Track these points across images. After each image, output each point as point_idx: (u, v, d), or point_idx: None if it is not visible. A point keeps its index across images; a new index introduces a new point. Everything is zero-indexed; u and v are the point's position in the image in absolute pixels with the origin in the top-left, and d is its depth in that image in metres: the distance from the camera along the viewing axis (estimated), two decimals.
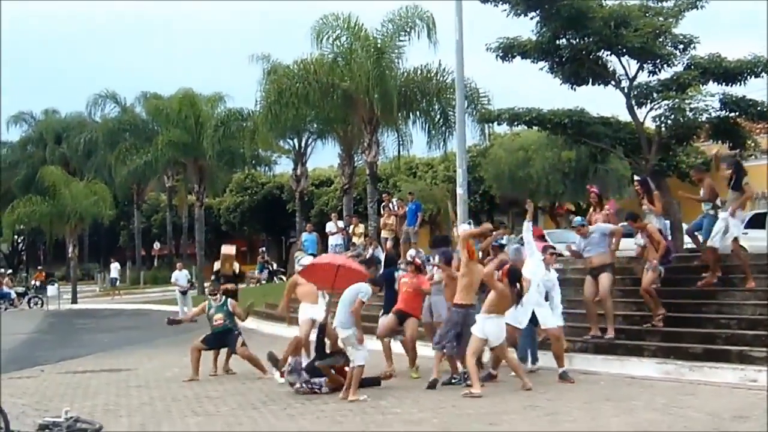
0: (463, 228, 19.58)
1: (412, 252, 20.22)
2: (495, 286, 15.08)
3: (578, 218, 19.54)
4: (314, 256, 27.38)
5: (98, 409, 14.55)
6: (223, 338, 18.54)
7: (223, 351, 18.87)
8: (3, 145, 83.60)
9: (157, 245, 76.91)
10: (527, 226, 17.32)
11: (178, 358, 18.57)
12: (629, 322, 19.11)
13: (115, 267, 61.04)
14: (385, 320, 17.58)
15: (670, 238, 20.58)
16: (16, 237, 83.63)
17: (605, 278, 17.88)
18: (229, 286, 19.82)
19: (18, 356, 25.09)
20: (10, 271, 64.79)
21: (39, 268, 61.38)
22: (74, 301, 53.66)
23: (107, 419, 13.32)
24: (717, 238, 18.64)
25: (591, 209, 21.30)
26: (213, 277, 20.29)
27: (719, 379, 15.28)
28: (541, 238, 22.91)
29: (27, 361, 23.18)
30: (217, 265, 19.74)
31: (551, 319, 16.35)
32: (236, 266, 20.30)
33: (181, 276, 35.65)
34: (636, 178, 22.82)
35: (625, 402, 13.66)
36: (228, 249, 19.88)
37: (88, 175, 64.04)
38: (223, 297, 18.89)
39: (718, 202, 20.10)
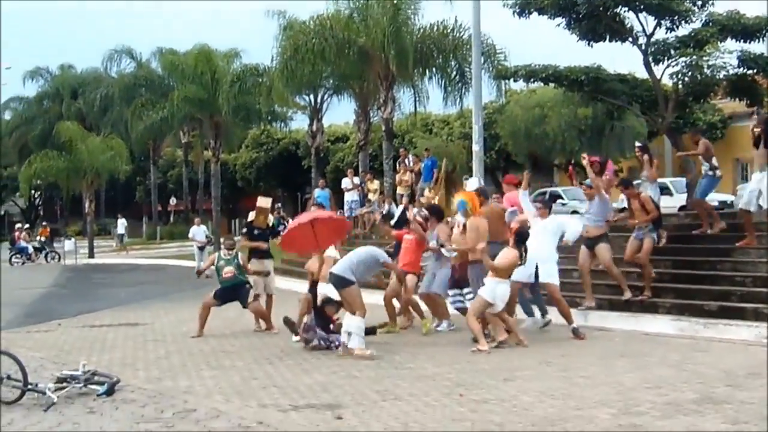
0: (473, 183, 19.49)
1: (414, 210, 20.18)
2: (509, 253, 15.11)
3: (588, 180, 19.38)
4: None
5: (115, 363, 14.65)
6: (234, 292, 18.19)
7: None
8: (19, 100, 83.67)
9: (173, 201, 77.11)
10: (524, 194, 17.34)
11: (194, 312, 18.60)
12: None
13: (122, 223, 61.03)
14: (393, 283, 17.49)
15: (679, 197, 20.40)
16: (33, 192, 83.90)
17: (603, 249, 17.58)
18: (263, 245, 19.17)
19: (36, 310, 25.25)
20: (27, 225, 65.03)
21: (44, 224, 61.09)
22: (91, 255, 53.91)
23: (124, 373, 13.42)
24: (752, 201, 18.03)
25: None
26: (244, 229, 19.97)
27: (734, 336, 15.29)
28: None
29: (44, 315, 23.32)
30: (251, 216, 19.34)
31: (554, 276, 16.39)
32: (270, 219, 19.95)
33: (198, 231, 35.76)
34: (637, 144, 22.64)
35: (639, 358, 13.69)
36: (264, 201, 19.43)
37: (105, 131, 64.14)
38: (235, 252, 18.47)
39: (714, 162, 19.95)
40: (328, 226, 16.93)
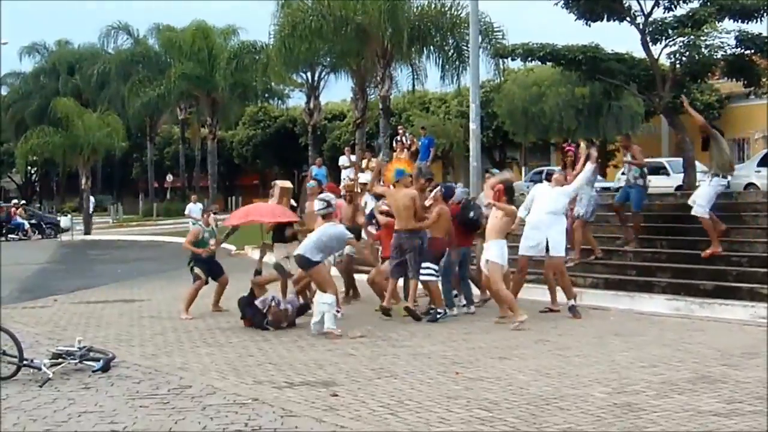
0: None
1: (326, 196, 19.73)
2: (506, 207, 15.14)
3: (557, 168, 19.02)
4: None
5: (111, 339, 14.64)
6: (217, 265, 17.88)
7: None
8: (16, 75, 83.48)
9: (170, 177, 77.02)
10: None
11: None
12: (639, 258, 19.15)
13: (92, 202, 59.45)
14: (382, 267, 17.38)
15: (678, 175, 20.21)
16: (29, 168, 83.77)
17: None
18: (291, 231, 18.80)
19: (31, 286, 25.25)
20: (23, 202, 64.92)
21: (14, 202, 59.79)
22: (87, 232, 53.88)
23: (120, 349, 13.43)
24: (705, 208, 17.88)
25: (565, 168, 19.38)
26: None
27: (729, 316, 15.36)
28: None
29: (40, 291, 23.32)
30: (272, 201, 19.03)
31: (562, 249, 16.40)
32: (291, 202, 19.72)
33: (195, 208, 35.75)
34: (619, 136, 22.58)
35: (634, 337, 13.73)
36: (285, 183, 19.26)
37: (101, 107, 63.84)
38: (215, 223, 18.06)
39: (645, 170, 19.90)
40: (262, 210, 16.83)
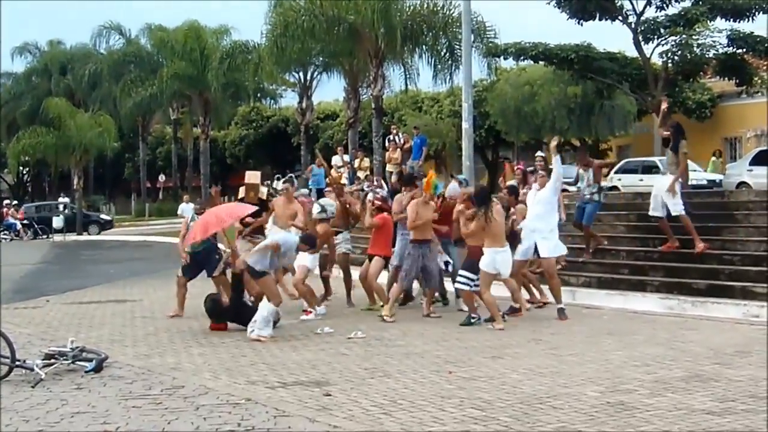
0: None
1: (370, 196, 19.65)
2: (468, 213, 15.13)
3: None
4: (323, 191, 27.22)
5: (104, 339, 14.62)
6: (203, 260, 17.19)
7: None
8: (8, 75, 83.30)
9: (162, 178, 76.93)
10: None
11: None
12: (632, 257, 19.17)
13: (64, 203, 58.69)
14: (372, 264, 17.35)
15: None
16: (21, 168, 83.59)
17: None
18: (258, 220, 18.59)
19: (23, 286, 25.19)
20: (15, 202, 64.78)
21: (6, 202, 59.01)
22: (79, 232, 53.79)
23: (112, 349, 13.41)
24: (659, 209, 18.10)
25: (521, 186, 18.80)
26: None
27: (722, 315, 15.39)
28: None
29: (33, 292, 23.26)
30: (241, 193, 19.01)
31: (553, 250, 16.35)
32: (263, 191, 19.54)
33: (187, 208, 35.65)
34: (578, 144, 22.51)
35: (627, 336, 13.74)
36: (253, 176, 19.07)
37: (93, 107, 63.85)
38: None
39: (603, 183, 19.87)
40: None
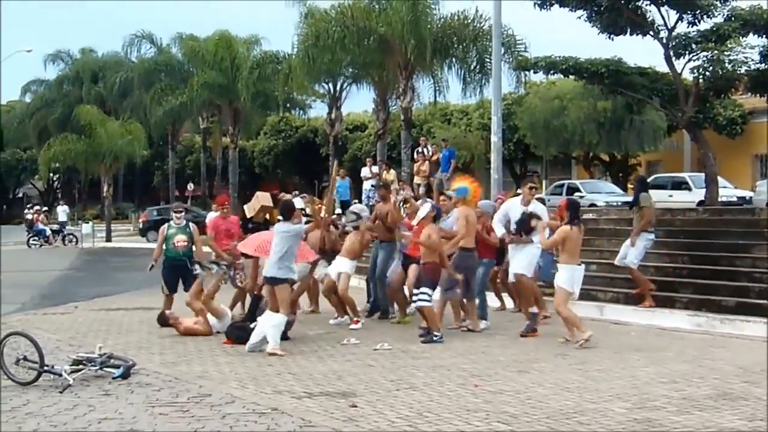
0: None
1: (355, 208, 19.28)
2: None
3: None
4: (347, 203, 27.23)
5: (131, 346, 14.69)
6: (180, 272, 16.89)
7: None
8: (40, 83, 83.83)
9: (191, 186, 77.04)
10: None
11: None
12: (661, 273, 19.06)
13: (63, 210, 57.85)
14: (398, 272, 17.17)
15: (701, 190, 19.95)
16: (51, 175, 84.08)
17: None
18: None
19: (52, 292, 25.36)
20: (45, 208, 65.07)
21: (36, 209, 58.74)
22: (108, 239, 53.99)
23: (140, 356, 13.47)
24: (630, 258, 17.85)
25: None
26: (240, 223, 19.48)
27: (750, 333, 15.28)
28: None
29: (61, 298, 23.42)
30: (247, 210, 19.04)
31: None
32: (300, 202, 19.62)
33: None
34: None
35: (655, 353, 13.68)
36: (266, 198, 19.09)
37: (124, 115, 64.09)
38: (185, 220, 17.25)
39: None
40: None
